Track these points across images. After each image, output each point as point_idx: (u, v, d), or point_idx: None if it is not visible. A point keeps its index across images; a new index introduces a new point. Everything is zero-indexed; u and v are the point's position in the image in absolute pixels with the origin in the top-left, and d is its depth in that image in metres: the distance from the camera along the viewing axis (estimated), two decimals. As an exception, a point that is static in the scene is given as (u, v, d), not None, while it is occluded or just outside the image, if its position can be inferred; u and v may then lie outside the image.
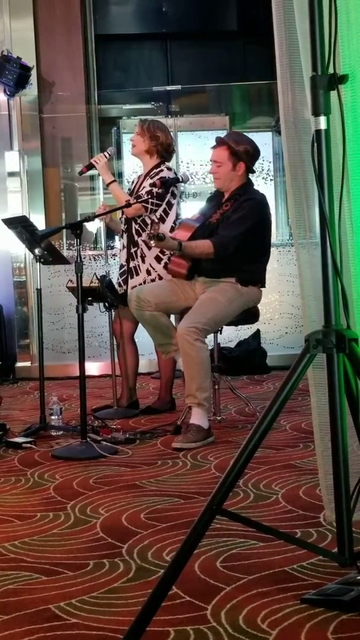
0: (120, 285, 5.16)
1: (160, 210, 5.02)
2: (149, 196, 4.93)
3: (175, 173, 5.20)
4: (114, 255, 6.60)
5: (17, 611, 2.22)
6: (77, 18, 8.52)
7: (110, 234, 6.78)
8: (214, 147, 4.62)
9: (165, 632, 2.04)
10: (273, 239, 7.73)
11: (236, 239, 4.38)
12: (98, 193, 8.56)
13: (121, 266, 5.26)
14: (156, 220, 4.33)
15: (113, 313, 5.23)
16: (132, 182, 5.41)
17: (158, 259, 5.02)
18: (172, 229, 4.96)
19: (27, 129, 7.95)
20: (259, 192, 4.67)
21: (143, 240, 4.97)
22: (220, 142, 4.58)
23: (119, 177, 7.77)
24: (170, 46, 10.22)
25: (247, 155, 4.54)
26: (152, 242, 4.18)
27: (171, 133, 5.37)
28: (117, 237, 7.11)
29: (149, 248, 4.99)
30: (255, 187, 4.76)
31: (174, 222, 5.07)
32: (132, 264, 5.12)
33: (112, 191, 5.14)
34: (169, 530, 2.84)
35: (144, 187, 5.07)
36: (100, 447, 4.07)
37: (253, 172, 4.66)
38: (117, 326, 5.25)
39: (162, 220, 5.02)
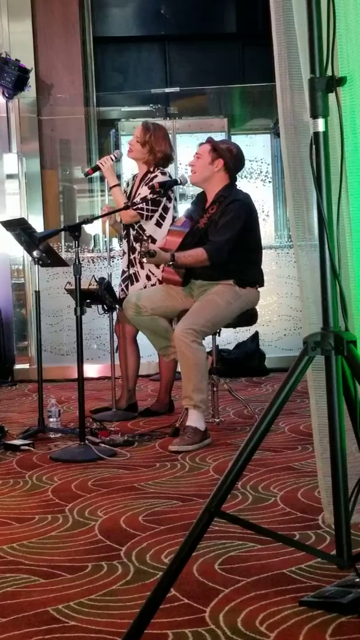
0: (123, 291, 5.15)
1: (156, 215, 5.02)
2: (144, 203, 4.92)
3: (170, 176, 5.20)
4: (113, 257, 6.60)
5: (15, 614, 2.22)
6: (75, 20, 8.53)
7: (111, 236, 6.78)
8: (200, 144, 4.66)
9: (164, 635, 2.04)
10: (272, 241, 7.78)
11: (229, 243, 4.37)
12: (97, 195, 8.57)
13: (123, 272, 5.26)
14: (145, 238, 4.33)
15: (114, 315, 5.23)
16: (127, 183, 5.40)
17: (156, 264, 5.01)
18: (168, 230, 4.94)
19: (25, 131, 7.95)
20: (242, 191, 4.65)
21: (139, 252, 4.97)
22: (206, 140, 4.62)
23: (118, 179, 7.79)
24: (169, 48, 10.25)
25: (229, 153, 4.51)
26: (144, 259, 4.19)
27: (169, 135, 5.36)
28: (115, 241, 7.13)
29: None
30: (254, 189, 4.77)
31: (171, 225, 5.06)
32: (132, 270, 5.13)
33: (113, 194, 5.15)
34: (168, 533, 2.84)
35: (139, 194, 5.06)
36: (98, 450, 4.07)
37: (235, 178, 4.63)
38: (119, 327, 5.25)
39: (158, 224, 5.03)
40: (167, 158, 5.13)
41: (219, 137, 4.96)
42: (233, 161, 4.53)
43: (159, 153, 5.06)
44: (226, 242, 4.37)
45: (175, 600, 2.23)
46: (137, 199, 5.00)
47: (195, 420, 4.20)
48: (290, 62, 2.44)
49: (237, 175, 4.69)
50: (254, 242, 4.56)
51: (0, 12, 8.05)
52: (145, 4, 9.99)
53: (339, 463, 1.95)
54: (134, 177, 5.30)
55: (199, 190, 4.79)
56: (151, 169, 5.10)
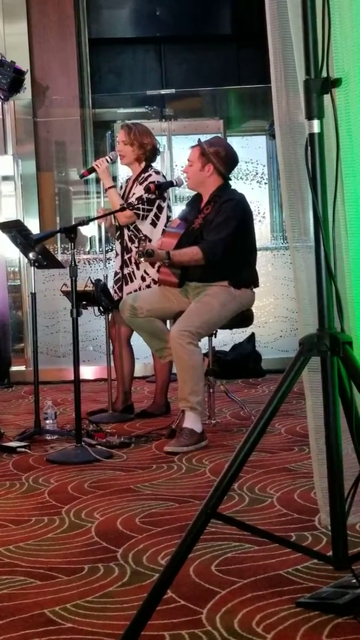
0: (116, 293, 5.16)
1: (151, 215, 5.02)
2: (140, 202, 4.93)
3: (163, 176, 5.21)
4: (109, 259, 6.60)
5: (12, 616, 2.22)
6: (71, 22, 8.52)
7: (107, 237, 6.79)
8: (191, 147, 4.65)
9: (160, 637, 2.04)
10: (268, 243, 7.78)
11: (224, 242, 4.37)
12: (93, 197, 8.57)
13: (115, 274, 5.26)
14: (143, 237, 4.33)
15: (109, 317, 5.23)
16: (121, 187, 5.41)
17: (152, 263, 5.01)
18: (163, 232, 4.95)
19: (21, 133, 7.95)
20: (237, 192, 4.65)
21: (136, 247, 4.96)
22: (197, 143, 4.61)
23: (114, 181, 7.81)
24: (165, 50, 10.24)
25: (216, 157, 4.49)
26: (141, 259, 4.20)
27: (165, 137, 5.39)
28: (111, 242, 7.13)
29: None
30: (250, 190, 4.77)
31: (165, 225, 5.07)
32: (126, 271, 5.13)
33: (109, 196, 5.15)
34: (164, 534, 2.84)
35: (134, 194, 5.07)
36: (95, 451, 4.07)
37: (228, 178, 4.63)
38: (113, 330, 5.24)
39: (153, 224, 5.03)
40: (155, 150, 5.18)
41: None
42: (222, 164, 4.52)
43: (148, 145, 5.10)
44: (221, 241, 4.37)
45: (172, 602, 2.23)
46: (133, 199, 5.01)
47: (191, 422, 4.20)
48: (286, 63, 2.44)
49: (232, 176, 4.69)
50: (248, 243, 4.57)
51: (-5, 14, 8.06)
52: (141, 5, 9.99)
53: (335, 464, 1.95)
54: (128, 180, 5.31)
55: (194, 192, 4.79)
56: (141, 164, 5.12)
